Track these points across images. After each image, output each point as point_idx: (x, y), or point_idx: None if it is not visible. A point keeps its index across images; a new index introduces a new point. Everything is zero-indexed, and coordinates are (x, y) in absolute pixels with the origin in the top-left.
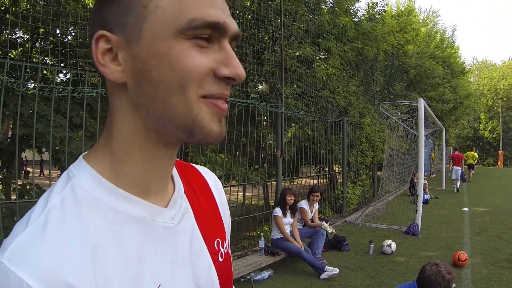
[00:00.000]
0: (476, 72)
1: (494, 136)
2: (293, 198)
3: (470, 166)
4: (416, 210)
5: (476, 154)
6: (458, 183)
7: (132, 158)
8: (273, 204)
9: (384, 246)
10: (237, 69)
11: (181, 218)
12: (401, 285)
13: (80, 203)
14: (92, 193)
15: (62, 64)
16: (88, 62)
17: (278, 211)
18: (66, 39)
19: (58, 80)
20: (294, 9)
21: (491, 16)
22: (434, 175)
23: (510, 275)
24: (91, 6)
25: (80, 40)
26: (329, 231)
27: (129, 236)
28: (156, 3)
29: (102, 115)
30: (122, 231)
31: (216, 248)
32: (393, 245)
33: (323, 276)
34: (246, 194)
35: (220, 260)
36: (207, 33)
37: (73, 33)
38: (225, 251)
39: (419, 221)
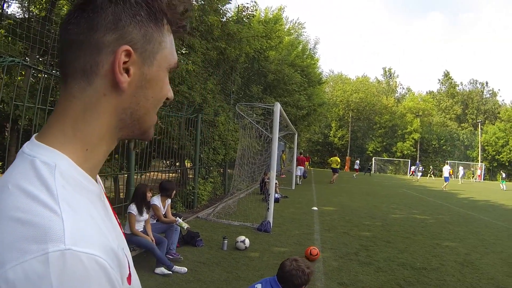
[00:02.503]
0: (332, 83)
1: (343, 143)
2: (151, 195)
3: (334, 170)
4: (268, 208)
5: (339, 159)
6: (299, 179)
7: (100, 149)
8: (123, 197)
9: (238, 242)
10: (172, 93)
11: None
12: (261, 280)
13: (74, 187)
14: (75, 178)
15: None
16: None
17: (133, 209)
18: None
19: None
20: None
21: (352, 35)
22: (284, 176)
23: (358, 267)
24: None
25: None
26: (184, 227)
27: (98, 206)
28: (165, 44)
29: None
30: (95, 203)
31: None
32: (247, 241)
33: (157, 271)
34: None
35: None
36: None
37: None
38: None
39: (270, 218)
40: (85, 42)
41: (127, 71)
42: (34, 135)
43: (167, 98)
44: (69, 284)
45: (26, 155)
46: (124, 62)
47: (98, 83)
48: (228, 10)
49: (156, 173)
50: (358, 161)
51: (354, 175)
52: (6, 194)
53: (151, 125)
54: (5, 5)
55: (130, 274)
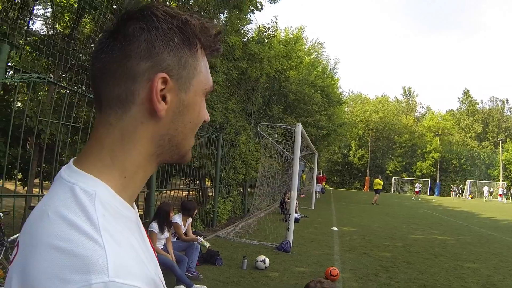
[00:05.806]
0: (351, 103)
1: (362, 163)
2: (173, 214)
3: (376, 191)
4: (288, 228)
5: (381, 181)
6: (318, 194)
7: (138, 176)
8: (143, 213)
9: (257, 261)
10: (208, 115)
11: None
12: None
13: (113, 216)
14: (114, 206)
15: None
16: None
17: (155, 227)
18: None
19: None
20: None
21: (370, 54)
22: (304, 195)
23: None
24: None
25: None
26: (206, 245)
27: (136, 234)
28: (200, 69)
29: None
30: (133, 231)
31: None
32: (267, 260)
33: None
34: None
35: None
36: None
37: None
38: None
39: (290, 238)
40: (118, 70)
41: (163, 98)
42: (72, 159)
43: (204, 121)
44: None
45: (65, 182)
46: (161, 90)
47: (135, 111)
48: (249, 30)
49: (175, 191)
50: (419, 184)
51: (413, 197)
52: (46, 221)
53: (189, 149)
54: (31, 21)
55: None
